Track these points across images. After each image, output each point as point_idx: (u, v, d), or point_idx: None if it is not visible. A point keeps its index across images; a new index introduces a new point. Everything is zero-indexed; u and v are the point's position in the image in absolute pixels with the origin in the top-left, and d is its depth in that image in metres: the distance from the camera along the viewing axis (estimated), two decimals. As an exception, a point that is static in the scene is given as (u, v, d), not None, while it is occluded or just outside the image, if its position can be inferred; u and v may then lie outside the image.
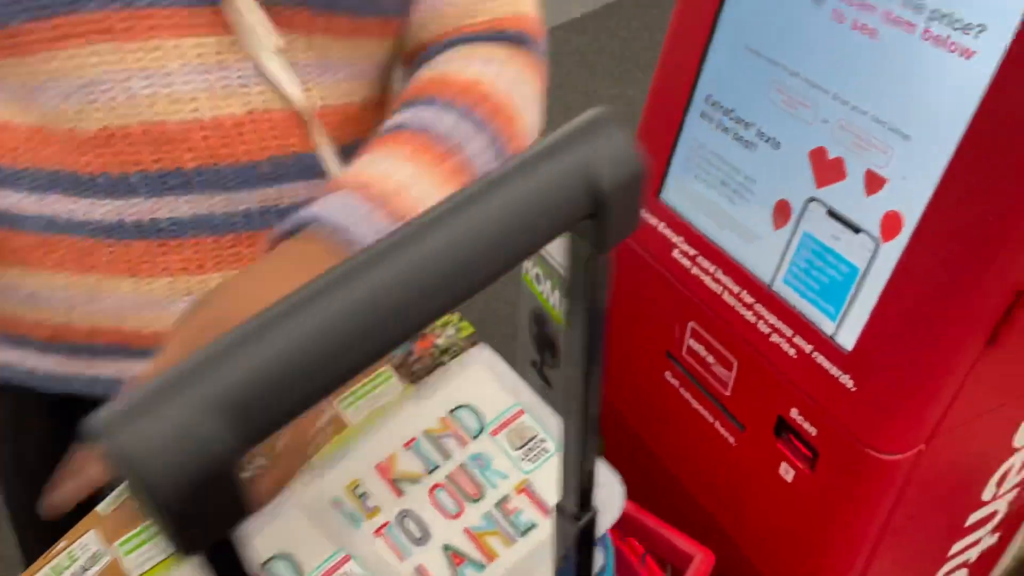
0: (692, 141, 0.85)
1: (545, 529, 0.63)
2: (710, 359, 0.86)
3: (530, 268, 1.26)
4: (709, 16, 0.80)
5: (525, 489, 0.64)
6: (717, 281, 0.83)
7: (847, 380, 0.72)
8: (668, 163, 0.87)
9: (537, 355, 1.31)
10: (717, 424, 0.88)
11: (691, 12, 0.82)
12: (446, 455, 0.65)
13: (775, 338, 0.78)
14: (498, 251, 0.25)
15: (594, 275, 0.30)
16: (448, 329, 0.74)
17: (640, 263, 0.92)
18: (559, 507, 0.43)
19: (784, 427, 0.80)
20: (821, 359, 0.74)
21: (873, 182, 0.69)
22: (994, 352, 0.67)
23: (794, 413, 0.78)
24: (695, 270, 0.85)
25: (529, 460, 0.66)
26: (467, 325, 0.74)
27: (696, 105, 0.83)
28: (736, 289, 0.81)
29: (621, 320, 1.00)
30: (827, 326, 0.74)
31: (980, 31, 0.60)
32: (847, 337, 0.72)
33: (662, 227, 0.88)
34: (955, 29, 0.62)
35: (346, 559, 0.59)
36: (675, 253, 0.87)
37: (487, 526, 0.63)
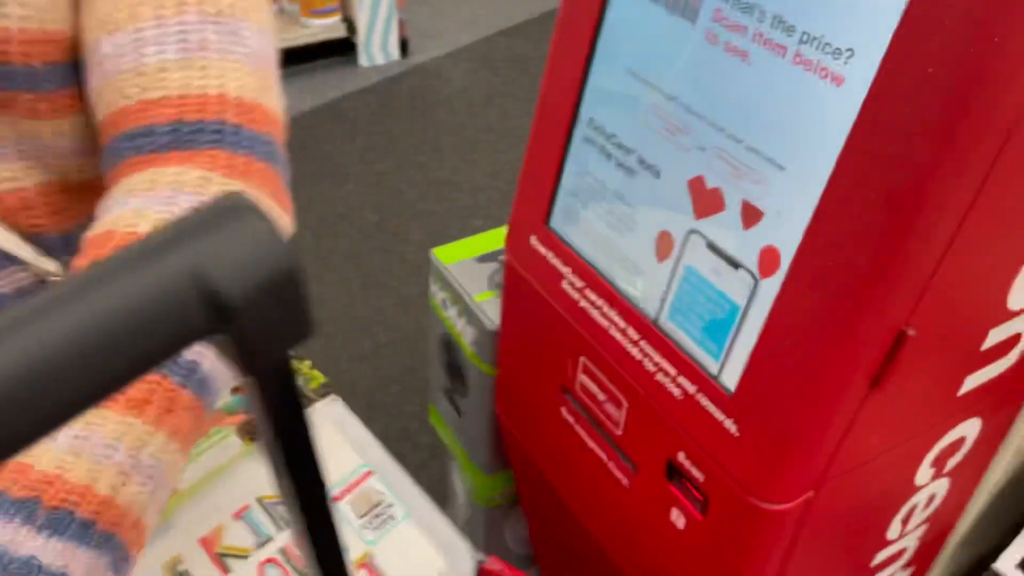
0: (577, 167, 0.80)
1: None
2: (601, 396, 0.81)
3: (437, 292, 1.20)
4: (588, 34, 0.75)
5: (367, 564, 0.58)
6: (605, 316, 0.78)
7: (731, 425, 0.67)
8: (555, 189, 0.82)
9: (448, 382, 1.25)
10: (611, 465, 0.83)
11: (572, 29, 0.77)
12: (281, 525, 0.60)
13: (661, 377, 0.73)
14: (64, 388, 0.19)
15: (269, 400, 0.24)
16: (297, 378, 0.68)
17: (531, 294, 0.87)
18: None
19: (675, 471, 0.75)
20: (705, 401, 0.69)
21: (750, 214, 0.64)
22: (880, 394, 0.63)
23: (682, 457, 0.73)
24: (583, 303, 0.80)
25: (373, 529, 0.60)
26: (318, 375, 0.68)
27: (580, 129, 0.79)
28: (622, 324, 0.76)
29: (521, 350, 0.95)
30: (711, 366, 0.69)
31: (849, 56, 0.56)
32: (730, 378, 0.67)
33: (551, 257, 0.83)
34: (825, 53, 0.58)
35: None
36: (564, 284, 0.82)
37: None
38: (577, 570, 1.07)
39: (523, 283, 0.88)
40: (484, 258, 1.18)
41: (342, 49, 2.99)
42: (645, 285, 0.74)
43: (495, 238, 1.18)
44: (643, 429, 0.77)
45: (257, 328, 0.21)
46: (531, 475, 1.03)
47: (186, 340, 0.21)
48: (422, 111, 2.76)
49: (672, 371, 0.72)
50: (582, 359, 0.82)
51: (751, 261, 0.65)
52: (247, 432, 0.64)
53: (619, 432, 0.81)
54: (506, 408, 1.03)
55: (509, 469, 1.17)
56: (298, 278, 0.21)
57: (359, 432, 0.66)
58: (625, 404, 0.78)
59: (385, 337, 1.95)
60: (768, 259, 0.64)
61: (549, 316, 0.85)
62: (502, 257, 0.95)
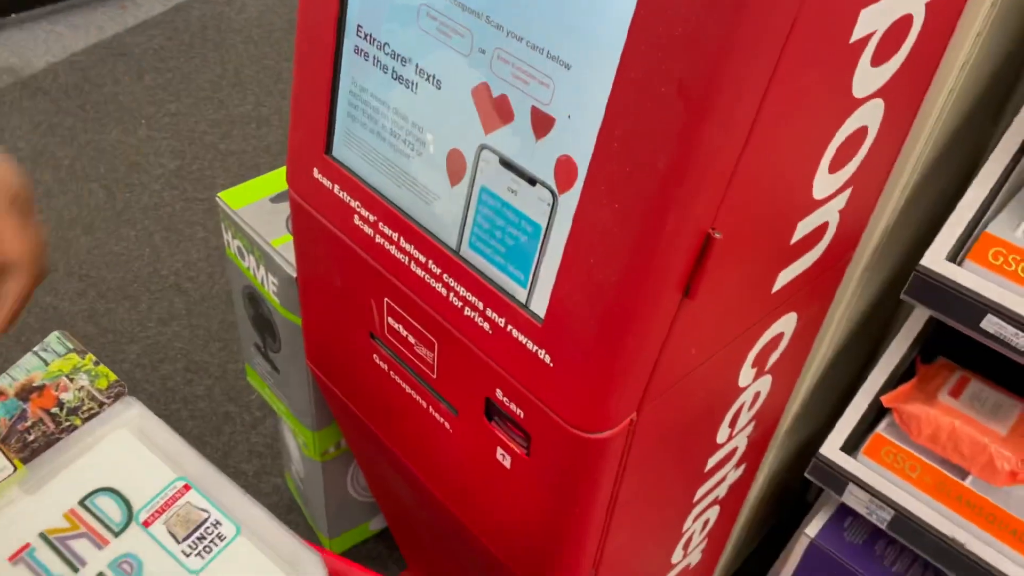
0: (352, 84, 0.70)
1: None
2: (411, 339, 0.74)
3: (231, 240, 1.08)
4: (345, -72, 0.65)
5: None
6: (402, 250, 0.70)
7: (544, 355, 0.62)
8: (331, 112, 0.72)
9: (259, 338, 1.15)
10: (431, 409, 0.77)
11: (326, -76, 0.67)
12: (76, 564, 0.49)
13: (469, 312, 0.66)
14: None
15: None
16: (79, 377, 0.55)
17: (323, 233, 0.78)
18: None
19: (494, 410, 0.70)
20: (516, 333, 0.63)
21: (541, 122, 0.58)
22: (693, 303, 0.59)
23: (500, 394, 0.67)
24: (379, 239, 0.72)
25: (199, 554, 0.51)
26: (105, 371, 0.56)
27: (349, 40, 0.69)
28: (422, 259, 0.69)
29: (323, 296, 0.86)
30: (519, 294, 0.63)
31: (625, -70, 0.49)
32: (539, 305, 0.62)
33: (337, 190, 0.74)
34: (599, -71, 0.51)
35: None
36: (356, 220, 0.73)
37: None
38: (419, 519, 1.01)
39: (312, 221, 0.78)
40: (279, 198, 1.06)
41: (116, -22, 2.67)
42: (441, 213, 0.67)
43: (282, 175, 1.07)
44: (458, 369, 0.71)
45: None
46: (355, 426, 0.96)
47: None
48: (216, 43, 2.52)
49: (479, 304, 0.65)
50: (386, 300, 0.75)
51: (547, 174, 0.58)
52: (18, 449, 0.51)
53: (434, 376, 0.74)
54: (317, 360, 0.94)
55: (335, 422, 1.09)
56: None
57: (167, 438, 0.55)
58: (436, 345, 0.71)
59: (198, 293, 1.79)
60: (564, 170, 0.57)
61: (345, 256, 0.76)
62: (292, 195, 0.85)
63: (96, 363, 0.57)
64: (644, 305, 0.57)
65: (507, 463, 0.71)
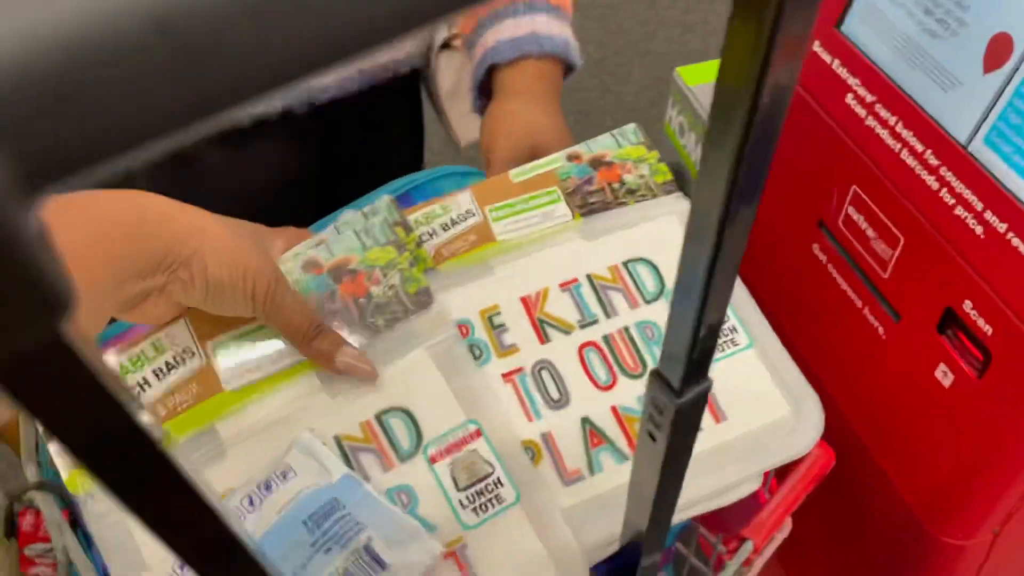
0: (893, -45, 0.67)
1: (710, 437, 0.52)
2: (870, 233, 0.72)
3: (674, 116, 1.11)
4: None
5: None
6: (896, 136, 0.67)
7: (1048, 271, 0.56)
8: (857, -16, 0.70)
9: (672, 217, 1.18)
10: (866, 311, 0.74)
11: None
12: (610, 311, 0.54)
13: (960, 211, 0.62)
14: None
15: None
16: (641, 166, 0.62)
17: (803, 109, 0.77)
18: (656, 373, 0.33)
19: (951, 322, 0.65)
20: (1017, 241, 0.58)
21: None
22: None
23: (967, 306, 0.63)
24: (870, 120, 0.69)
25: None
26: (664, 169, 0.62)
27: (906, -94, 0.65)
28: (919, 148, 0.65)
29: (774, 179, 0.86)
30: (1034, 201, 0.58)
31: None
32: (1059, 217, 0.56)
33: (836, 66, 0.72)
34: None
35: (476, 435, 0.49)
36: (848, 99, 0.71)
37: (640, 411, 0.52)
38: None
39: (795, 98, 0.77)
40: (734, 83, 1.07)
41: None
42: (958, 102, 0.62)
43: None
44: (919, 272, 0.67)
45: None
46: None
47: None
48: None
49: (978, 205, 0.61)
50: (854, 188, 0.72)
51: None
52: (579, 203, 0.59)
53: (885, 275, 0.71)
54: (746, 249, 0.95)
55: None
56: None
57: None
58: (901, 242, 0.68)
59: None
60: None
61: (821, 137, 0.75)
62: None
63: (658, 160, 0.63)
64: None
65: (947, 382, 0.66)
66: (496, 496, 0.49)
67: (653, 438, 0.35)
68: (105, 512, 0.45)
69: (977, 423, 0.65)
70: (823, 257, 0.79)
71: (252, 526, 0.44)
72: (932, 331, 0.67)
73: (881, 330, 0.73)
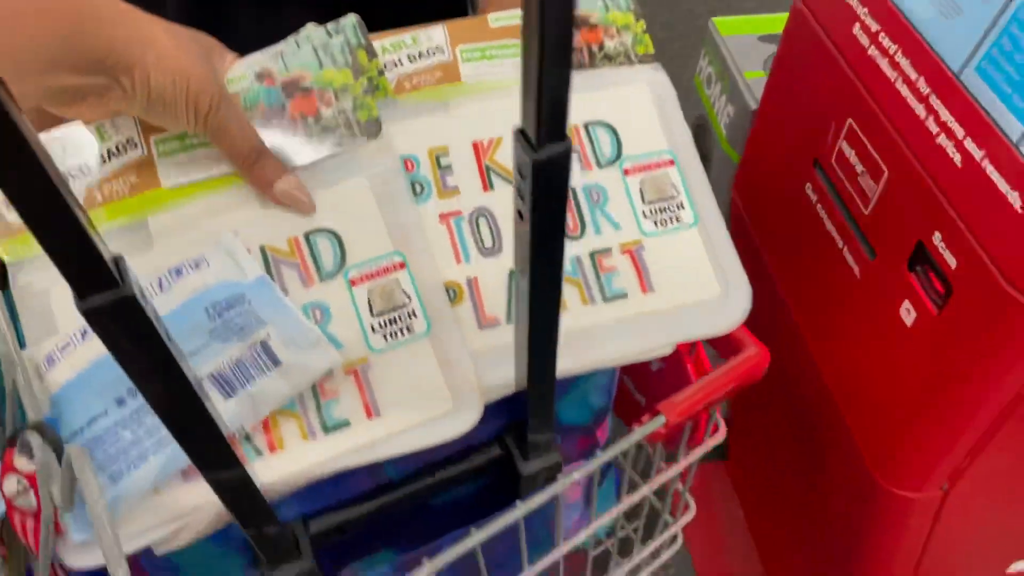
0: None
1: (634, 305, 0.53)
2: (859, 168, 0.70)
3: (704, 67, 1.11)
4: None
5: (633, 252, 0.53)
6: (894, 64, 0.66)
7: (1015, 198, 0.54)
8: (879, -88, 0.69)
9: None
10: (846, 250, 0.73)
11: None
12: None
13: (942, 140, 0.61)
14: None
15: None
16: (625, 34, 0.61)
17: (812, 41, 0.75)
18: (519, 131, 0.33)
19: (921, 257, 0.64)
20: (990, 169, 0.56)
21: None
22: None
23: (936, 238, 0.61)
24: (872, 50, 0.68)
25: (654, 222, 0.54)
26: (648, 41, 0.61)
27: None
28: (913, 76, 0.64)
29: (779, 116, 0.85)
30: (1013, 130, 0.56)
31: None
32: (1034, 144, 0.54)
33: (849, -4, 0.71)
34: None
35: (400, 266, 0.50)
36: (855, 29, 0.70)
37: (570, 272, 0.53)
38: (772, 404, 0.98)
39: (806, 30, 0.76)
40: (767, 38, 1.05)
41: None
42: (957, 28, 0.61)
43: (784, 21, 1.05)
44: (897, 206, 0.66)
45: None
46: (751, 271, 0.95)
47: None
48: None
49: (960, 132, 0.59)
50: (849, 121, 0.71)
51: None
52: None
53: (866, 212, 0.69)
54: (743, 189, 0.94)
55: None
56: None
57: (674, 114, 0.58)
58: (885, 175, 0.67)
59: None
60: None
61: (826, 69, 0.74)
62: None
63: (644, 30, 0.59)
64: None
65: (909, 320, 0.65)
66: (408, 326, 0.49)
67: (521, 215, 0.35)
68: (30, 283, 0.47)
69: (932, 364, 0.63)
70: (814, 196, 0.77)
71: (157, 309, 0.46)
72: (903, 268, 0.65)
73: (857, 270, 0.71)
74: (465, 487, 0.53)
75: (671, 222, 0.54)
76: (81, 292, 0.26)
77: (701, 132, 1.11)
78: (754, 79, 0.99)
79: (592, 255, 0.53)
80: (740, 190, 0.94)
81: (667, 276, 0.53)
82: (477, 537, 0.45)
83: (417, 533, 0.53)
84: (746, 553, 1.23)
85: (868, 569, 0.81)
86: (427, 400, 0.48)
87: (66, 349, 0.45)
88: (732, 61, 1.02)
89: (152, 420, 0.43)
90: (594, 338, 0.51)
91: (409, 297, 0.50)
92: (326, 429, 0.46)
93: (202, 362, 0.45)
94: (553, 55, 0.29)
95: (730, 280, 0.54)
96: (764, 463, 1.11)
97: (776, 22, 1.06)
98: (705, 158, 1.10)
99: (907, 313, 0.65)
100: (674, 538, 0.76)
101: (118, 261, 0.27)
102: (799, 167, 0.79)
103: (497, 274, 0.52)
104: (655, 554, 0.75)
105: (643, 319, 0.52)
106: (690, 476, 0.70)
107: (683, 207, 0.55)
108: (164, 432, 0.41)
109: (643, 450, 0.64)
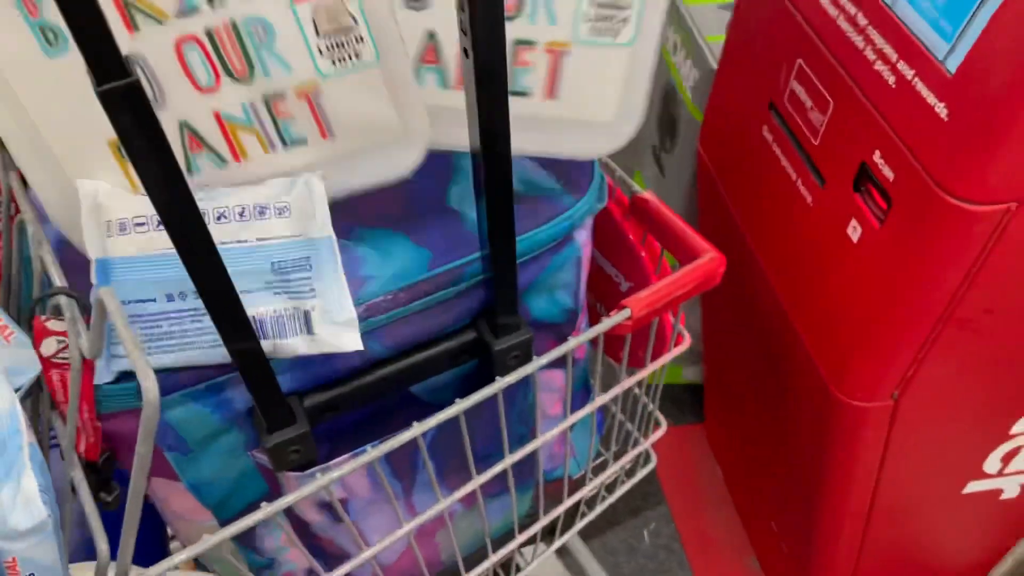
0: None
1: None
2: (808, 103, 0.76)
3: (670, 36, 1.17)
4: None
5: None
6: (836, 4, 0.72)
7: (942, 109, 0.60)
8: None
9: (658, 138, 1.23)
10: (799, 182, 0.78)
11: None
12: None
13: (879, 66, 0.66)
14: None
15: None
16: None
17: (764, -6, 0.81)
18: None
19: (864, 177, 0.69)
20: (920, 85, 0.62)
21: None
22: None
23: (876, 156, 0.67)
24: (816, -6, 0.74)
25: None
26: None
27: None
28: (852, 10, 0.70)
29: (737, 69, 0.91)
30: (939, 49, 0.62)
31: None
32: (954, 61, 0.60)
33: (795, -54, 0.77)
34: None
35: None
36: (801, -24, 0.76)
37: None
38: (737, 353, 1.04)
39: (758, -19, 0.82)
40: (726, 7, 1.12)
41: None
42: (890, -35, 0.67)
43: (747, -13, 1.11)
44: (842, 132, 0.71)
45: None
46: (718, 222, 1.00)
47: None
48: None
49: (893, 56, 0.65)
50: (799, 62, 0.77)
51: (1024, -88, 0.56)
52: None
53: (816, 142, 0.75)
54: (708, 143, 0.99)
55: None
56: None
57: None
58: (831, 106, 0.72)
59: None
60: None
61: (776, 16, 0.80)
62: None
63: None
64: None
65: (856, 236, 0.70)
66: (356, 52, 0.48)
67: (467, 53, 0.39)
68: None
69: (875, 276, 0.69)
70: (770, 137, 0.83)
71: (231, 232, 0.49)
72: (849, 190, 0.71)
73: (809, 198, 0.77)
74: (445, 378, 0.58)
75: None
76: (99, 79, 0.30)
77: (668, 99, 1.17)
78: (715, 42, 1.05)
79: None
80: (704, 144, 1.00)
81: (577, 90, 0.53)
82: (459, 406, 0.50)
83: (401, 425, 0.58)
84: (724, 508, 1.28)
85: (830, 488, 0.86)
86: (377, 127, 0.49)
87: (141, 227, 0.47)
88: (694, 26, 1.08)
89: (191, 325, 0.47)
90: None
91: (356, 20, 0.47)
92: (285, 144, 0.48)
93: (249, 303, 0.46)
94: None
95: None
96: (736, 414, 1.16)
97: (736, -8, 1.13)
98: (673, 121, 1.16)
99: (854, 231, 0.70)
100: (647, 456, 0.81)
101: (129, 58, 0.31)
102: (756, 112, 0.85)
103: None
104: (629, 472, 0.80)
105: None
106: (657, 393, 0.75)
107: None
108: (195, 338, 0.45)
109: (612, 369, 0.68)
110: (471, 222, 0.55)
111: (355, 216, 0.55)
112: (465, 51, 0.39)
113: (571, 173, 0.59)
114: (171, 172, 0.34)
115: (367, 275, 0.52)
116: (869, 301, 0.70)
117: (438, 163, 0.58)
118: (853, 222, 0.70)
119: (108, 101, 0.31)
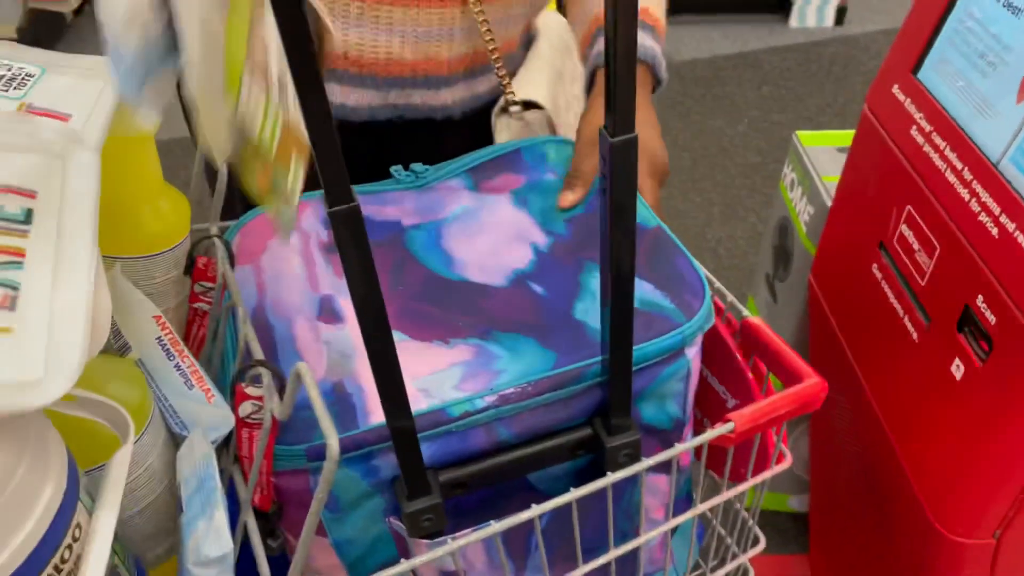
0: (965, 13, 0.79)
1: None
2: (916, 246, 0.81)
3: (788, 173, 1.24)
4: None
5: None
6: (944, 158, 0.77)
7: (1042, 260, 0.65)
8: (932, 39, 0.82)
9: (772, 267, 1.29)
10: (906, 319, 0.82)
11: None
12: None
13: (983, 217, 0.71)
14: None
15: None
16: None
17: (876, 142, 0.88)
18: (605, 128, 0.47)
19: (968, 319, 0.73)
20: (1021, 238, 0.67)
21: None
22: None
23: (979, 301, 0.71)
24: (927, 147, 0.80)
25: None
26: None
27: (976, -26, 0.78)
28: (959, 166, 0.75)
29: (849, 208, 0.97)
30: (1041, 206, 0.66)
31: None
32: (1057, 216, 0.64)
33: (908, 104, 0.84)
34: None
35: None
36: (912, 130, 0.82)
37: None
38: (846, 486, 1.06)
39: (872, 132, 0.89)
40: (845, 150, 1.18)
41: (776, 7, 3.02)
42: (996, 126, 0.73)
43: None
44: (947, 275, 0.76)
45: None
46: (827, 350, 1.04)
47: None
48: (839, 77, 2.70)
49: (996, 210, 0.70)
50: (908, 207, 0.82)
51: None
52: None
53: (922, 283, 0.80)
54: (819, 274, 1.05)
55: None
56: None
57: None
58: (938, 250, 0.77)
59: (728, 261, 2.00)
60: None
61: (888, 165, 0.86)
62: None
63: None
64: None
65: (959, 374, 0.74)
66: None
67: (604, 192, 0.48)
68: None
69: (978, 414, 0.72)
70: (879, 275, 0.88)
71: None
72: (952, 329, 0.75)
73: (915, 335, 0.81)
74: (558, 469, 0.64)
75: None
76: (331, 202, 0.40)
77: (784, 231, 1.23)
78: (831, 182, 1.12)
79: None
80: (816, 276, 1.05)
81: None
82: (574, 494, 0.56)
83: (516, 510, 0.64)
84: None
85: (932, 626, 0.86)
86: None
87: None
88: (812, 166, 1.15)
89: None
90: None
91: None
92: None
93: None
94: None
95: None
96: (840, 544, 1.16)
97: (851, 137, 1.20)
98: (787, 252, 1.22)
99: (957, 369, 0.74)
100: (745, 571, 0.84)
101: (351, 187, 0.41)
102: (866, 250, 0.90)
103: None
104: (726, 585, 0.83)
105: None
106: (757, 508, 0.79)
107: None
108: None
109: (715, 484, 0.73)
110: (593, 331, 0.62)
111: (492, 321, 0.63)
112: (603, 190, 0.48)
113: (684, 295, 0.66)
114: (370, 275, 0.44)
115: (500, 369, 0.60)
116: (972, 438, 0.73)
117: (567, 283, 0.66)
118: (957, 361, 0.74)
119: (335, 219, 0.41)
